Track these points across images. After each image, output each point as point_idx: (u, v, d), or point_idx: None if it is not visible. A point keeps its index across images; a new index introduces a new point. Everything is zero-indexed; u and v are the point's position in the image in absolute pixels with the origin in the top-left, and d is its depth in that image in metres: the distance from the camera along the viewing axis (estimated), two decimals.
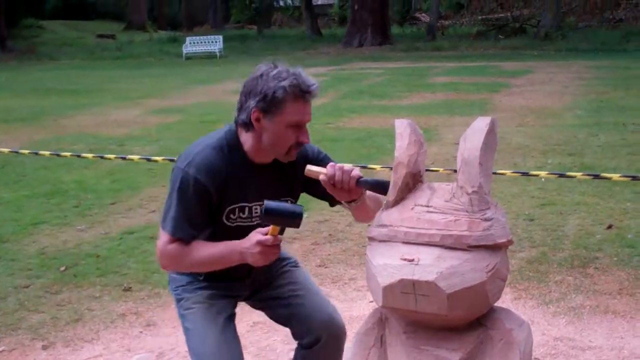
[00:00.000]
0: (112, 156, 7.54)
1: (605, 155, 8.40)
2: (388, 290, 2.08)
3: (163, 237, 2.50)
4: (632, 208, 6.21)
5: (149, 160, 7.42)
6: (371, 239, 2.23)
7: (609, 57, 22.45)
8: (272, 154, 2.54)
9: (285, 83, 2.43)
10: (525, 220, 6.00)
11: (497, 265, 2.10)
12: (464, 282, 2.03)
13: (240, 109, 2.52)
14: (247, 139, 2.54)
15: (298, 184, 2.70)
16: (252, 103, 2.46)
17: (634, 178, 5.21)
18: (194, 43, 31.90)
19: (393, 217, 2.20)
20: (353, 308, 4.52)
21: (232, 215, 2.57)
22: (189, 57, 30.76)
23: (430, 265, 2.04)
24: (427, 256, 2.07)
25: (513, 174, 6.27)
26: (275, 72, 2.46)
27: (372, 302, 4.57)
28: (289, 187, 2.69)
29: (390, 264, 2.09)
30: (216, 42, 31.69)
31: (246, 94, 2.49)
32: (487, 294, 2.09)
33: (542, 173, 5.44)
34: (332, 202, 2.72)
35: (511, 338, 2.17)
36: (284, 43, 34.37)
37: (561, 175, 5.57)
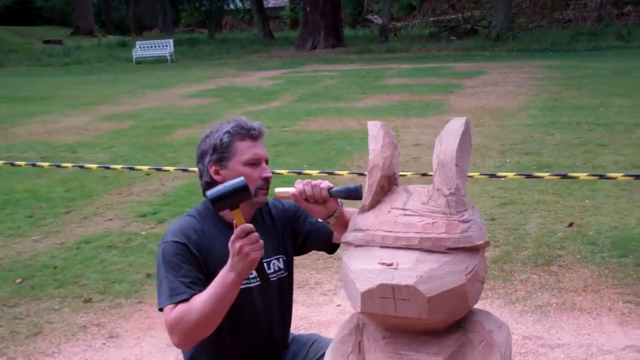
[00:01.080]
0: (69, 165, 7.35)
1: (561, 154, 8.50)
2: (367, 295, 2.03)
3: (165, 314, 2.37)
4: (591, 206, 6.28)
5: (107, 168, 7.27)
6: (347, 243, 2.18)
7: (559, 57, 22.83)
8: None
9: (227, 128, 2.53)
10: (487, 220, 6.02)
11: (475, 267, 2.06)
12: (443, 285, 1.99)
13: (201, 176, 2.58)
14: None
15: (285, 239, 2.69)
16: (206, 161, 2.53)
17: (601, 177, 5.24)
18: (144, 47, 31.57)
19: (369, 221, 2.15)
20: (321, 313, 4.47)
21: None
22: (140, 62, 30.48)
23: (410, 269, 2.00)
24: (405, 260, 2.02)
25: (481, 176, 6.27)
26: (217, 126, 2.57)
27: (339, 306, 4.54)
28: (277, 243, 2.65)
29: (369, 268, 2.04)
30: (167, 46, 31.40)
31: (199, 158, 2.57)
32: (467, 296, 2.05)
33: (510, 174, 5.45)
34: (331, 248, 2.75)
35: (491, 340, 2.13)
36: (236, 46, 34.24)
37: (528, 176, 5.58)
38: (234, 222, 2.23)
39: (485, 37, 30.27)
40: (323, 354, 2.70)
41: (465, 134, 2.18)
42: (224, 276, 2.27)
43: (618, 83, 15.03)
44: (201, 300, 2.30)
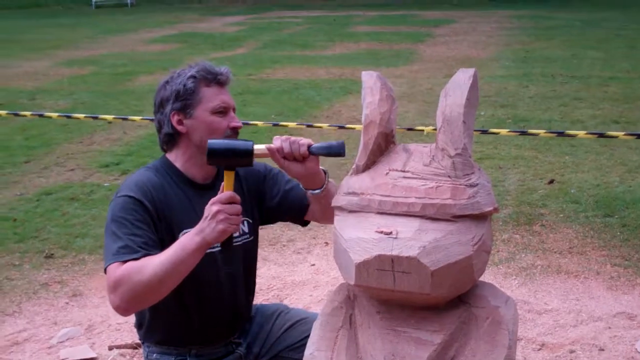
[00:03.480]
0: (27, 113, 6.96)
1: (537, 107, 8.33)
2: (362, 267, 1.81)
3: (109, 272, 2.08)
4: (571, 162, 6.12)
5: (69, 117, 6.91)
6: (339, 208, 1.95)
7: (528, 6, 22.62)
8: None
9: (192, 72, 2.28)
10: None
11: (483, 236, 1.87)
12: (448, 257, 1.79)
13: (160, 128, 2.28)
14: (177, 156, 2.31)
15: (252, 203, 2.43)
16: (167, 110, 2.24)
17: (600, 135, 5.02)
18: None
19: (365, 184, 1.93)
20: (294, 272, 4.26)
21: None
22: (99, 6, 29.72)
23: (411, 239, 1.79)
24: (406, 228, 1.81)
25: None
26: (178, 71, 2.32)
27: (313, 265, 4.33)
28: (243, 205, 2.35)
29: (364, 237, 1.83)
30: None
31: (158, 107, 2.28)
32: (473, 269, 1.86)
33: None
34: (304, 220, 2.51)
35: (498, 317, 1.94)
36: None
37: (522, 133, 5.34)
38: (222, 184, 2.02)
39: None
40: (289, 327, 2.51)
41: (473, 87, 1.97)
42: (188, 239, 2.03)
43: (589, 34, 14.89)
44: (157, 260, 2.03)
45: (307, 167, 2.13)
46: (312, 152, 2.13)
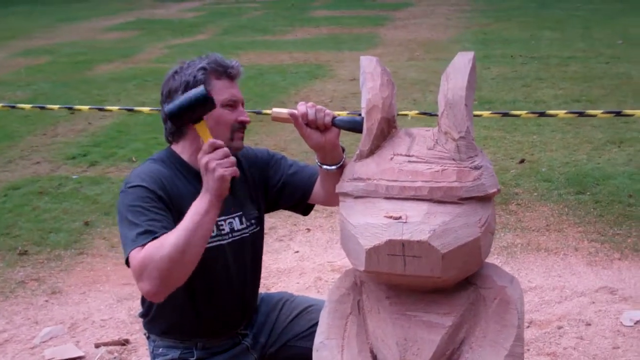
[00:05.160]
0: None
1: (501, 88, 8.41)
2: (373, 253, 1.81)
3: (131, 259, 2.01)
4: (540, 141, 6.20)
5: (42, 108, 6.75)
6: (344, 195, 1.95)
7: None
8: None
9: (203, 64, 2.23)
10: None
11: (488, 218, 1.88)
12: (458, 240, 1.80)
13: (165, 119, 2.24)
14: (183, 148, 2.27)
15: (257, 191, 2.41)
16: None
17: (581, 114, 5.08)
18: None
19: (370, 169, 1.93)
20: (279, 260, 4.24)
21: None
22: None
23: (421, 223, 1.80)
24: (414, 212, 1.82)
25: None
26: (188, 62, 2.28)
27: (297, 252, 4.32)
28: (249, 196, 2.37)
29: (374, 223, 1.83)
30: None
31: (165, 98, 2.24)
32: (481, 250, 1.88)
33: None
34: (306, 209, 2.51)
35: (506, 296, 1.97)
36: None
37: (504, 114, 5.39)
38: (201, 140, 2.00)
39: None
40: (295, 316, 2.50)
41: (473, 70, 1.98)
42: (198, 202, 2.00)
43: (545, 15, 15.03)
44: (174, 233, 1.97)
45: (327, 139, 2.10)
46: (335, 124, 2.10)
